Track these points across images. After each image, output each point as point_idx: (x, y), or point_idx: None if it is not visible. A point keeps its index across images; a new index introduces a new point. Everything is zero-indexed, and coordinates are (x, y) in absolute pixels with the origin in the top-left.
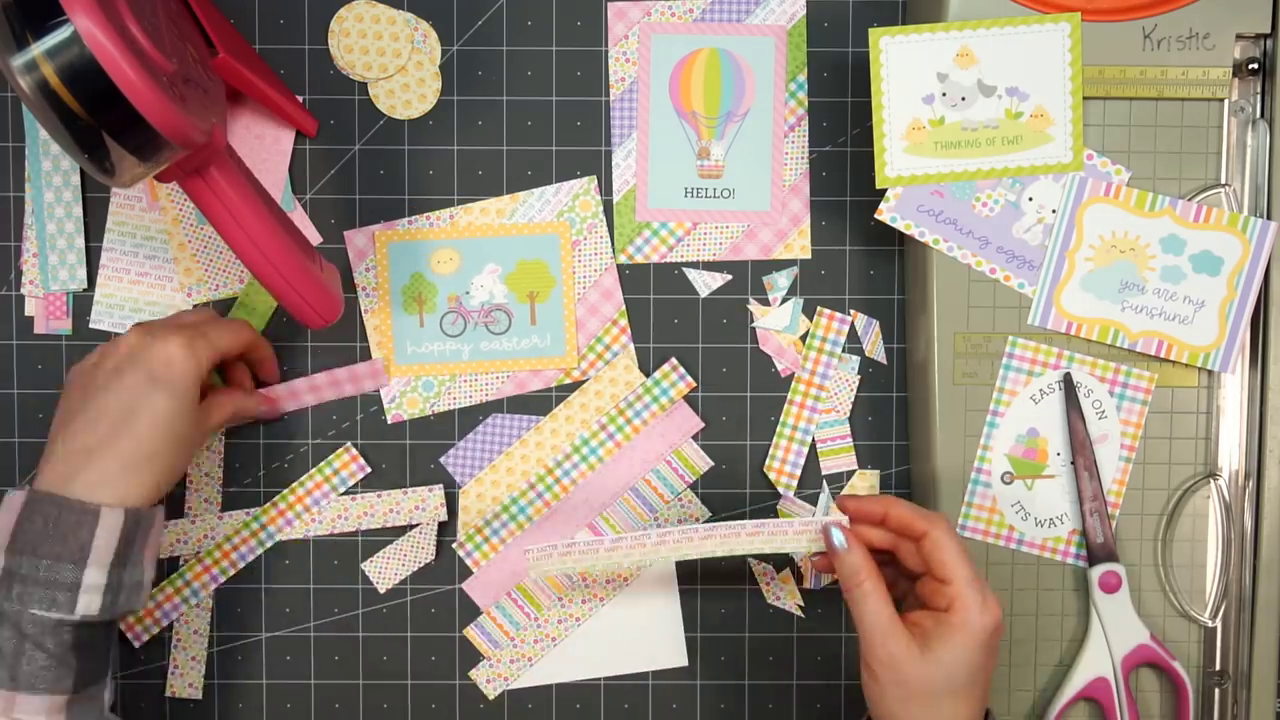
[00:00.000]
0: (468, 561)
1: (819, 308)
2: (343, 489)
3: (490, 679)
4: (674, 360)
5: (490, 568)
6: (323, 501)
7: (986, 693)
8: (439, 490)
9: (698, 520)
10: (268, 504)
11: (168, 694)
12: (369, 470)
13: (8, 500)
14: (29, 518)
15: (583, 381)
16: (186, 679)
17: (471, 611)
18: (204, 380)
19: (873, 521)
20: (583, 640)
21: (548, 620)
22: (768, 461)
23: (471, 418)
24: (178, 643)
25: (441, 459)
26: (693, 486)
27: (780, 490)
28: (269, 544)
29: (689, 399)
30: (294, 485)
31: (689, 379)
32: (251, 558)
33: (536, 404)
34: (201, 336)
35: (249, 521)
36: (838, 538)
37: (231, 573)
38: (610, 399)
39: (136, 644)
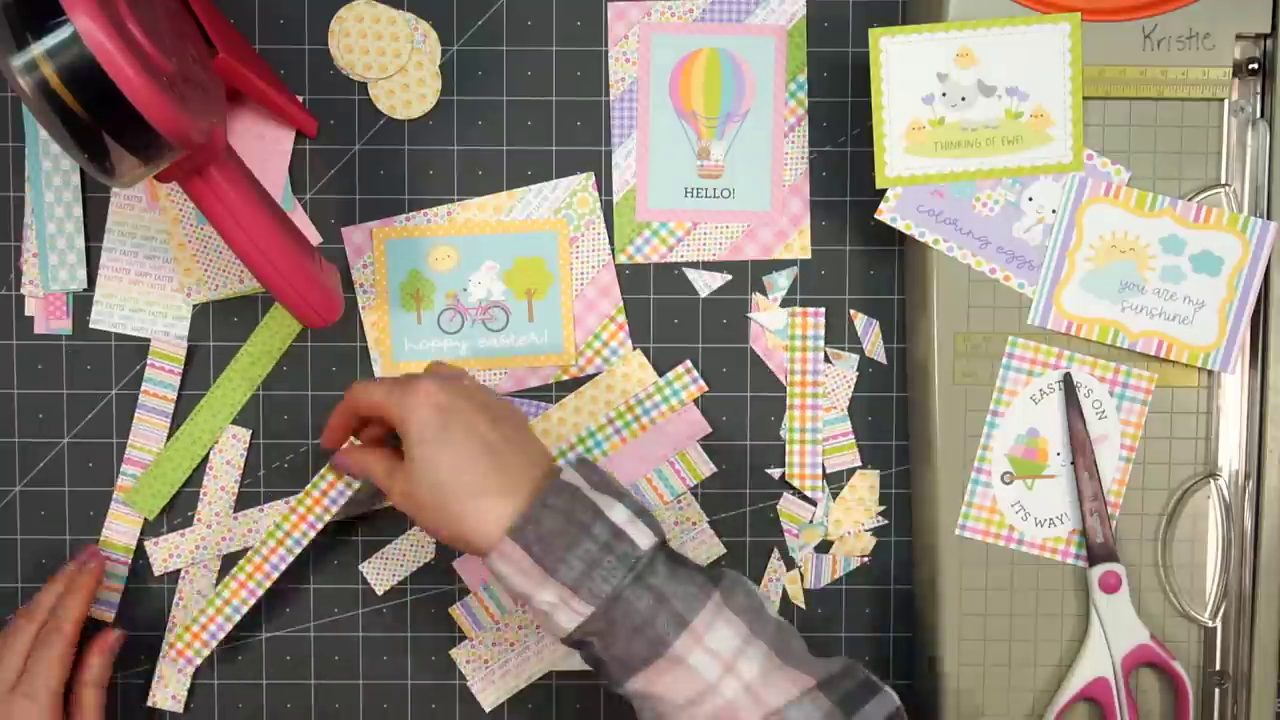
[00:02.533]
0: None
1: (793, 308)
2: (357, 482)
3: (470, 659)
4: (688, 363)
5: None
6: (339, 500)
7: (505, 461)
8: None
9: (694, 524)
10: (288, 510)
11: (149, 703)
12: None
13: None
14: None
15: (582, 378)
16: (170, 689)
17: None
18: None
19: (355, 424)
20: None
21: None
22: (786, 470)
23: None
24: (165, 653)
25: None
26: (692, 489)
27: (808, 494)
28: (297, 550)
29: None
30: (309, 488)
31: (701, 383)
32: (285, 566)
33: (534, 401)
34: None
35: (273, 530)
36: (338, 464)
37: (267, 585)
38: (621, 394)
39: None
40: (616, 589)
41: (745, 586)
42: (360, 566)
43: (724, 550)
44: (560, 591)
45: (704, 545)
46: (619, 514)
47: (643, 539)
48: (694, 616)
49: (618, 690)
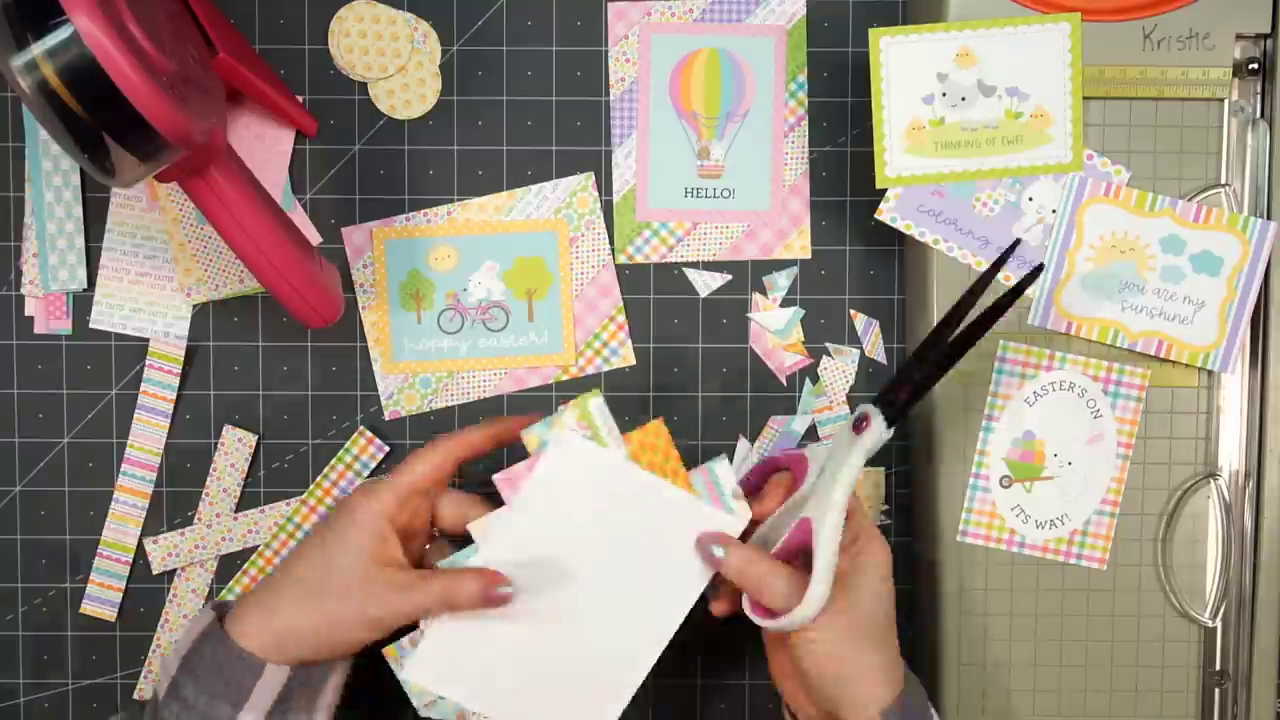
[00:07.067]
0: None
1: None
2: (366, 473)
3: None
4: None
5: None
6: (350, 490)
7: (897, 652)
8: None
9: None
10: (298, 502)
11: (135, 696)
12: (389, 450)
13: (200, 614)
14: (202, 645)
15: (582, 378)
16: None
17: None
18: (399, 531)
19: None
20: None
21: None
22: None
23: (470, 415)
24: (157, 648)
25: None
26: None
27: None
28: None
29: (689, 396)
30: (319, 479)
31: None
32: None
33: (535, 402)
34: (386, 480)
35: (284, 524)
36: (717, 551)
37: None
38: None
39: None
40: None
41: None
42: None
43: None
44: None
45: None
46: None
47: None
48: None
49: None
